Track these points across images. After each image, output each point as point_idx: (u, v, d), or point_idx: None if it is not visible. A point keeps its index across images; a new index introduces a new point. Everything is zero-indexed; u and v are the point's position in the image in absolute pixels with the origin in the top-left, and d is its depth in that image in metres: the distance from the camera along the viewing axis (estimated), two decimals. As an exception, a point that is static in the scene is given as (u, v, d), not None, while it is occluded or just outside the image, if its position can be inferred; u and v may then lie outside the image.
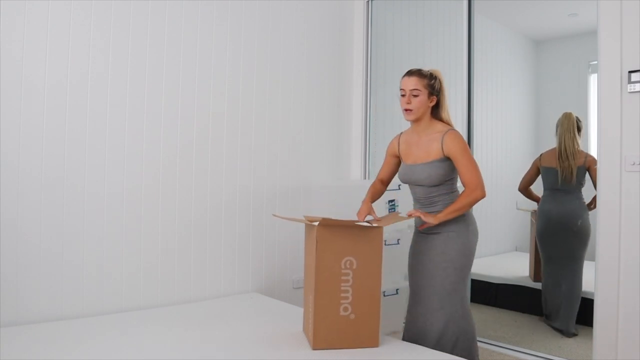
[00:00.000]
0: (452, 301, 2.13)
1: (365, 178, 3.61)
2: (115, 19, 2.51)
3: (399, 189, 2.79)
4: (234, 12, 2.98)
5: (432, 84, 2.19)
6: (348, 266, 2.02)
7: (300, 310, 2.47)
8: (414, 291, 2.25)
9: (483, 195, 2.09)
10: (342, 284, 2.01)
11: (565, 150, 3.04)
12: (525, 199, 3.30)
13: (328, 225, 2.01)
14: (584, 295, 2.97)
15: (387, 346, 2.07)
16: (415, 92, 2.17)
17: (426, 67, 2.27)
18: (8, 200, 2.20)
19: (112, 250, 2.50)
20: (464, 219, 2.16)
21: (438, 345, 2.12)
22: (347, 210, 2.74)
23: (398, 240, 2.95)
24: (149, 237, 2.63)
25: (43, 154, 2.30)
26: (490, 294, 3.48)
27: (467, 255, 2.15)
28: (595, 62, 2.43)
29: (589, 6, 2.55)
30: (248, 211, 3.02)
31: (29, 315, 2.23)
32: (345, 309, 2.01)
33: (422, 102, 2.18)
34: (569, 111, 3.08)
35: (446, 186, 2.18)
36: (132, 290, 2.57)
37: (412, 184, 2.26)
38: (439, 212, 2.13)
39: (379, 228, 2.06)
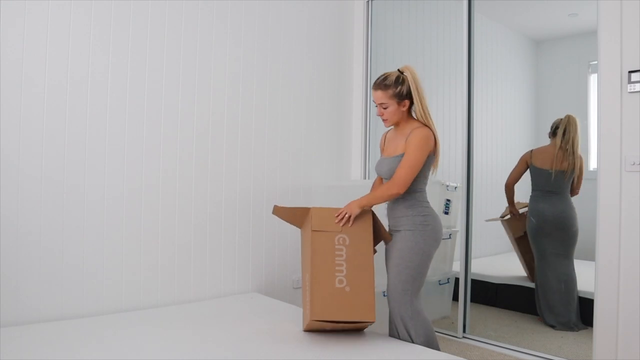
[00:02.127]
0: (402, 300, 2.14)
1: (365, 178, 3.61)
2: (115, 19, 2.51)
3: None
4: (233, 13, 2.98)
5: (398, 91, 2.15)
6: (341, 242, 2.15)
7: (301, 311, 2.47)
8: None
9: (398, 193, 2.15)
10: (337, 258, 2.13)
11: (571, 147, 3.04)
12: (503, 196, 3.33)
13: (322, 210, 2.22)
14: (583, 295, 2.98)
15: (386, 345, 2.07)
16: (384, 105, 2.18)
17: (398, 66, 2.25)
18: (8, 201, 2.20)
19: (112, 251, 2.50)
20: (423, 218, 2.16)
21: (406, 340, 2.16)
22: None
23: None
24: (149, 237, 2.63)
25: (43, 154, 2.30)
26: (490, 294, 3.48)
27: (421, 254, 2.14)
28: (595, 62, 2.43)
29: (589, 6, 2.55)
30: (248, 211, 3.02)
31: (29, 315, 2.24)
32: (341, 282, 2.09)
33: (392, 111, 2.19)
34: (572, 114, 3.09)
35: (412, 183, 2.17)
36: (132, 290, 2.57)
37: (381, 176, 2.34)
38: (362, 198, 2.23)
39: (369, 212, 2.22)
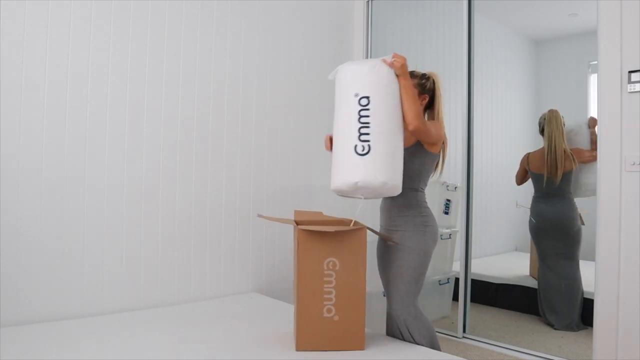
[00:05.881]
0: (404, 302, 2.12)
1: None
2: (115, 16, 2.50)
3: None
4: (234, 13, 2.98)
5: (422, 83, 2.20)
6: (331, 267, 2.00)
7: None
8: (383, 287, 2.26)
9: (410, 129, 2.02)
10: (325, 285, 1.99)
11: (556, 152, 3.04)
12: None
13: (309, 229, 1.99)
14: (585, 295, 2.98)
15: (386, 345, 2.07)
16: None
17: (426, 70, 2.27)
18: (8, 200, 2.20)
19: (112, 250, 2.50)
20: (423, 219, 2.15)
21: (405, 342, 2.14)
22: (347, 210, 2.74)
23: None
24: (149, 237, 2.63)
25: (43, 155, 2.30)
26: (490, 294, 3.49)
27: (422, 255, 2.12)
28: (595, 62, 2.43)
29: (589, 6, 2.55)
30: (248, 211, 3.02)
31: (29, 315, 2.23)
32: (329, 311, 2.00)
33: None
34: (554, 108, 3.09)
35: (413, 180, 2.14)
36: (132, 290, 2.57)
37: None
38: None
39: (363, 229, 2.04)
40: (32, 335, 2.05)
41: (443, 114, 2.24)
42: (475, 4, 3.05)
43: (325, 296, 1.99)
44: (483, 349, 2.86)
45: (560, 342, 2.87)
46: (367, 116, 1.96)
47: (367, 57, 3.62)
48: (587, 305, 2.86)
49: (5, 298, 2.18)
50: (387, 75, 2.02)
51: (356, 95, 1.98)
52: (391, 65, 2.02)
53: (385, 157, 1.96)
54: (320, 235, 1.99)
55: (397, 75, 2.03)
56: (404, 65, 2.02)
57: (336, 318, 2.00)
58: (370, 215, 2.42)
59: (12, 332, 2.07)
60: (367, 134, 1.95)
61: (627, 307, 2.26)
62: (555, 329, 3.04)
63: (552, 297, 3.11)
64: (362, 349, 2.01)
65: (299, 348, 1.99)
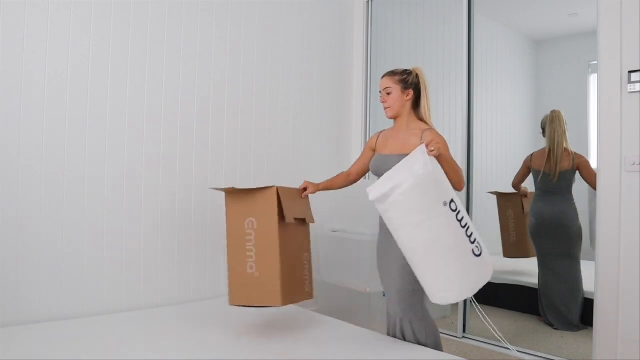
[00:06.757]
0: (411, 302, 2.11)
1: (365, 178, 3.61)
2: (115, 10, 2.51)
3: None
4: (234, 12, 2.98)
5: (404, 78, 2.20)
6: (250, 226, 2.11)
7: (300, 310, 2.47)
8: (385, 290, 2.25)
9: (461, 189, 2.13)
10: (247, 244, 2.11)
11: (556, 152, 3.05)
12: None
13: (234, 191, 2.13)
14: (584, 295, 2.98)
15: (386, 345, 2.07)
16: (388, 90, 2.21)
17: (398, 66, 2.28)
18: (8, 200, 2.21)
19: (112, 251, 2.50)
20: None
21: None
22: (347, 209, 2.74)
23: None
24: (149, 237, 2.63)
25: (43, 157, 2.30)
26: (490, 294, 3.48)
27: None
28: (595, 62, 2.43)
29: (589, 6, 2.55)
30: (248, 211, 3.02)
31: (29, 315, 2.24)
32: (251, 267, 2.10)
33: (395, 97, 2.20)
34: (557, 109, 3.09)
35: None
36: (132, 290, 2.57)
37: (382, 175, 2.16)
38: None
39: (272, 188, 2.12)
40: (32, 335, 2.05)
41: (430, 109, 2.23)
42: (475, 4, 3.05)
43: (248, 254, 2.10)
44: (483, 349, 2.86)
45: (560, 342, 2.87)
46: (463, 217, 1.93)
47: (367, 58, 3.62)
48: (587, 305, 2.86)
49: (5, 298, 2.18)
50: (434, 166, 1.92)
51: (445, 204, 1.88)
52: (430, 153, 1.93)
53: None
54: (241, 198, 2.12)
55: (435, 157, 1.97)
56: (439, 148, 1.96)
57: (257, 274, 2.09)
58: (371, 216, 2.41)
59: (12, 332, 2.08)
60: (472, 233, 1.94)
61: (627, 307, 2.26)
62: (555, 329, 3.04)
63: (553, 297, 3.10)
64: (278, 304, 2.08)
65: (231, 302, 2.10)
